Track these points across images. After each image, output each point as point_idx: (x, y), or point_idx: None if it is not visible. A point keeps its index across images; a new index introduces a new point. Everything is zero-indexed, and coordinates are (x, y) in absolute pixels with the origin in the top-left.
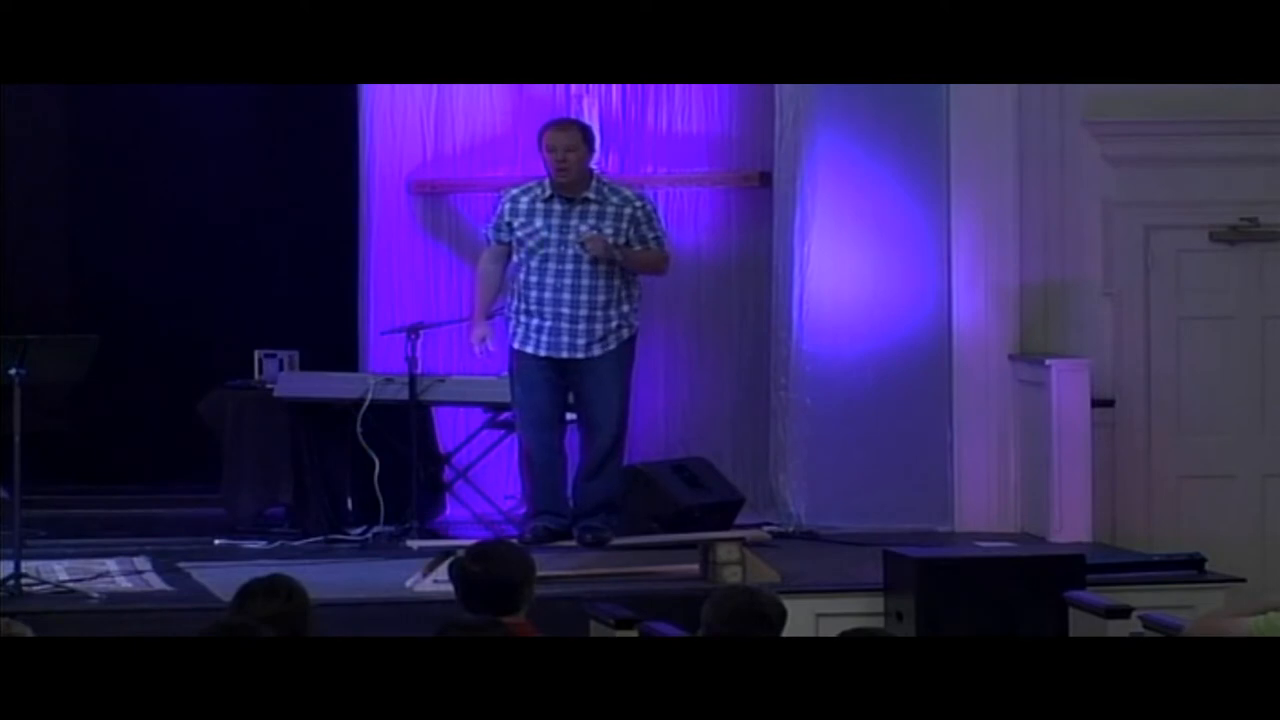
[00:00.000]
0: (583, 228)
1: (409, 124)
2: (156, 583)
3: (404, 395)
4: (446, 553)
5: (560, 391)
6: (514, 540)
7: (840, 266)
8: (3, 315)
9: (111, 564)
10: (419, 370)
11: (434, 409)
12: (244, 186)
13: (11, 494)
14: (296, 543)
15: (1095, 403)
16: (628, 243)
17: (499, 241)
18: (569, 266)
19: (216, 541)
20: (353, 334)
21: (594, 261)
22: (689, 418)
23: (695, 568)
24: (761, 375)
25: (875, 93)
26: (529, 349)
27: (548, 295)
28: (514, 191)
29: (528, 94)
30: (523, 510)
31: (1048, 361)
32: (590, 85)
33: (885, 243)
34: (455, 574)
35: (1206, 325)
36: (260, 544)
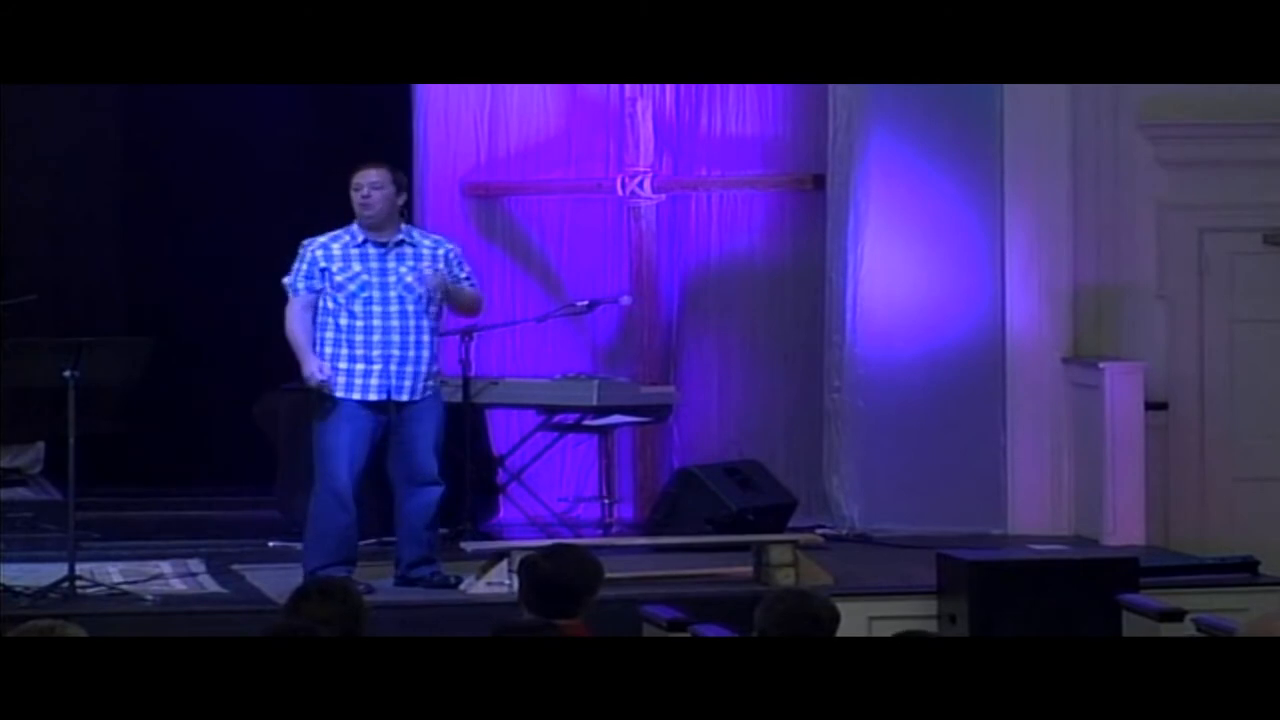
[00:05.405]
0: (401, 269)
1: (463, 126)
2: (210, 585)
3: (458, 398)
4: (500, 555)
5: (376, 440)
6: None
7: (893, 269)
8: (60, 318)
9: (166, 566)
10: (472, 373)
11: (487, 411)
12: (298, 188)
13: (66, 496)
14: None
15: (1148, 405)
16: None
17: (311, 290)
18: (394, 309)
19: (270, 544)
20: None
21: (418, 302)
22: (742, 420)
23: (748, 570)
24: (815, 378)
25: (928, 94)
26: (355, 395)
27: (376, 339)
28: (321, 240)
29: (581, 96)
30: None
31: (1101, 364)
32: (644, 88)
33: (939, 245)
34: (525, 572)
35: (1260, 328)
36: None
